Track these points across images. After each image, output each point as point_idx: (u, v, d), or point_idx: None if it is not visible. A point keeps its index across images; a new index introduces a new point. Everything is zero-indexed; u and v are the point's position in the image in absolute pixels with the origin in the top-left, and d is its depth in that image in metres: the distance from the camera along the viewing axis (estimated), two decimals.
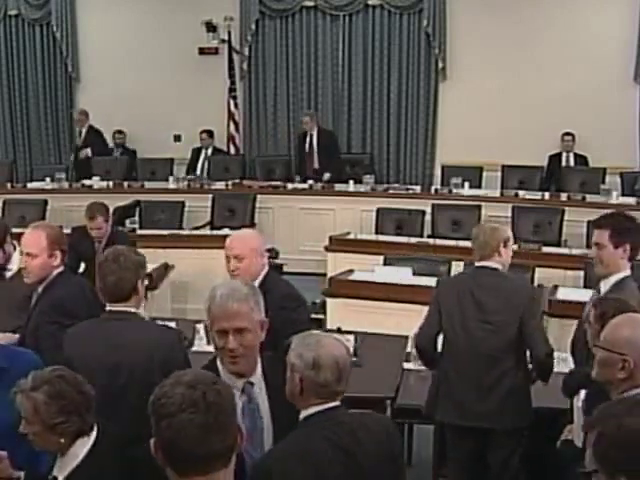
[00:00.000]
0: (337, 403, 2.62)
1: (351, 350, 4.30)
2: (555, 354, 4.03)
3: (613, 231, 3.77)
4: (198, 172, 10.31)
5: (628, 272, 3.78)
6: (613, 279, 3.77)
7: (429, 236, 8.19)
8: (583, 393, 3.25)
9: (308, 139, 10.36)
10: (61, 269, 3.94)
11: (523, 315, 3.95)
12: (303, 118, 10.32)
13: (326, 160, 10.18)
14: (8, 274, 4.42)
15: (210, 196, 9.15)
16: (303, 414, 2.60)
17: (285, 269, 7.70)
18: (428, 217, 8.42)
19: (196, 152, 10.75)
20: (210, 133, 10.74)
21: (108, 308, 3.30)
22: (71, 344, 3.30)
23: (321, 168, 10.17)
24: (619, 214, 4.07)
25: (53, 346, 3.44)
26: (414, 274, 6.20)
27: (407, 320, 5.61)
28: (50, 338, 3.55)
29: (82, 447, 2.67)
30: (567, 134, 10.04)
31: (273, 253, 7.79)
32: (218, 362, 2.77)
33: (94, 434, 2.69)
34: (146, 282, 3.38)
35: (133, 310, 3.30)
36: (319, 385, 2.57)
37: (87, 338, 3.28)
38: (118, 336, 3.20)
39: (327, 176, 9.95)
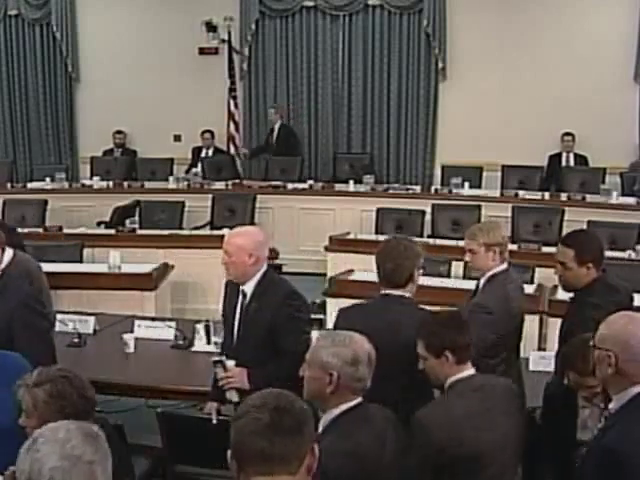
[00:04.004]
0: (361, 398, 2.71)
1: None
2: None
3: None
4: (199, 171, 10.29)
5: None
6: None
7: (429, 236, 8.18)
8: None
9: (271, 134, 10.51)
10: None
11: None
12: (269, 110, 10.56)
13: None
14: None
15: (210, 196, 9.15)
16: (332, 414, 2.64)
17: (285, 269, 7.68)
18: (428, 217, 8.43)
19: (197, 151, 10.76)
20: (212, 133, 10.75)
21: (384, 291, 3.53)
22: (345, 319, 3.50)
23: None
24: None
25: None
26: None
27: None
28: None
29: None
30: (567, 134, 10.04)
31: (273, 253, 7.77)
32: None
33: None
34: (421, 271, 3.58)
35: (408, 295, 3.51)
36: (356, 380, 2.66)
37: (361, 316, 3.44)
38: (394, 316, 3.40)
39: None
